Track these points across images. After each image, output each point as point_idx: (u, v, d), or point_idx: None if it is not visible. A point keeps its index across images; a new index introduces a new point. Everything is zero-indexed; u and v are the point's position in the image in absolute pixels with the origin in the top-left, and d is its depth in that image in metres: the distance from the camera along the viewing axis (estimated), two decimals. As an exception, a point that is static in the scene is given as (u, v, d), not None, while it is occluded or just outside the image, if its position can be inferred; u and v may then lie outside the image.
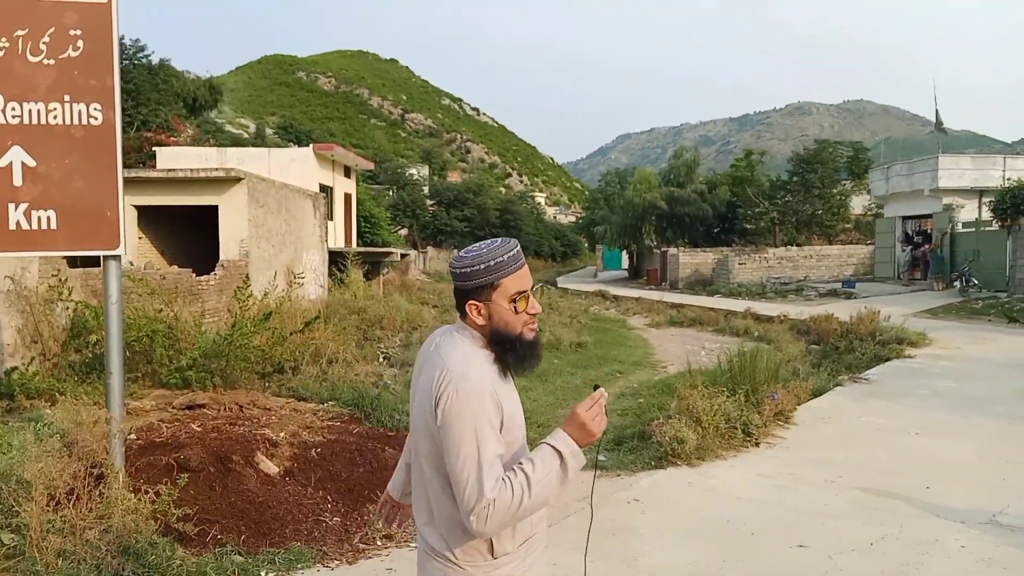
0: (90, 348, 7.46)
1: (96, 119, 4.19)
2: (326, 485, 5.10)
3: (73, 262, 8.59)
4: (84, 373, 7.16)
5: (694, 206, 35.22)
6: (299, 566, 4.03)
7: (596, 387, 1.81)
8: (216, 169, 14.26)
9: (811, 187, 32.48)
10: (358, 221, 28.36)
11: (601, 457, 6.02)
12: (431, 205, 54.31)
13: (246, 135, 65.26)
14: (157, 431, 5.60)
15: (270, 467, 5.17)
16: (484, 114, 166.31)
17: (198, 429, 5.72)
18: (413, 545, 4.39)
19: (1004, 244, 20.81)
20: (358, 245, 26.16)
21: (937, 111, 29.54)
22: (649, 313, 21.38)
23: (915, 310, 17.24)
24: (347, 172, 26.61)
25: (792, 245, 32.45)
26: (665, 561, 4.09)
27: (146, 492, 4.06)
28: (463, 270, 1.83)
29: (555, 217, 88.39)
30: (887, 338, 12.06)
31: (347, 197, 26.56)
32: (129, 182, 13.35)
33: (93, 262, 8.92)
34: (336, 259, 18.84)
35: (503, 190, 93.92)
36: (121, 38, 30.74)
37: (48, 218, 4.16)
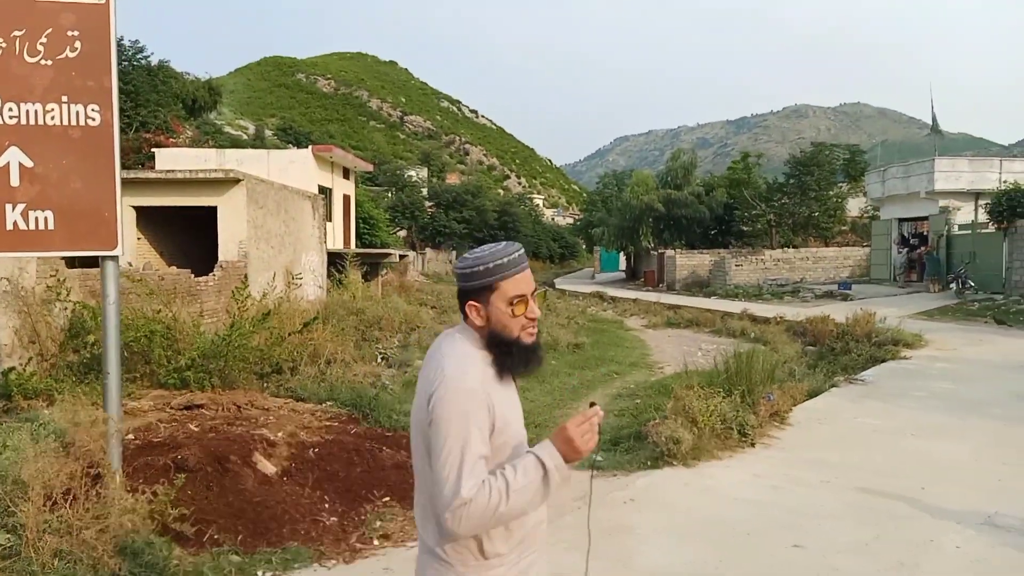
0: (88, 348, 7.46)
1: (94, 120, 4.20)
2: (324, 485, 5.11)
3: (71, 262, 8.58)
4: (82, 373, 7.15)
5: (691, 208, 35.30)
6: (296, 566, 4.04)
7: (592, 404, 1.78)
8: (215, 170, 14.27)
9: (808, 189, 32.58)
10: (357, 222, 28.36)
11: (598, 457, 6.03)
12: (430, 207, 54.35)
13: (245, 137, 65.27)
14: (155, 431, 5.60)
15: (268, 467, 5.18)
16: (483, 116, 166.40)
17: (196, 429, 5.72)
18: (410, 545, 4.42)
19: (1000, 246, 20.84)
20: (357, 246, 26.16)
21: (934, 114, 29.61)
22: (646, 314, 21.40)
23: (911, 312, 17.27)
24: (346, 174, 26.62)
25: (789, 247, 32.51)
26: (661, 561, 4.11)
27: (143, 492, 4.06)
28: (464, 271, 1.85)
29: (553, 219, 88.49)
30: (883, 339, 12.09)
31: (346, 198, 26.57)
32: (128, 183, 13.35)
33: (91, 262, 8.91)
34: (335, 260, 18.84)
35: (501, 192, 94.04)
36: (120, 39, 30.64)
37: (45, 218, 4.16)
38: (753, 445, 6.29)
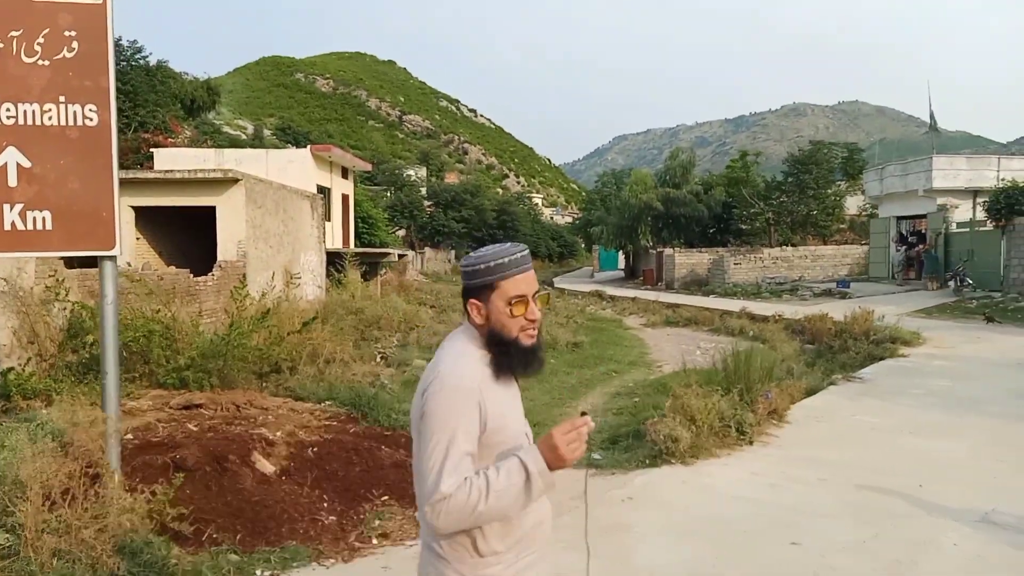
0: (87, 349, 7.46)
1: (91, 120, 4.21)
2: (322, 484, 5.12)
3: (70, 263, 8.58)
4: (81, 374, 7.15)
5: (690, 207, 35.30)
6: (295, 565, 4.04)
7: (583, 413, 1.77)
8: (214, 170, 14.27)
9: (806, 188, 32.58)
10: (356, 222, 28.35)
11: (596, 456, 6.04)
12: (429, 206, 54.35)
13: (244, 136, 65.21)
14: (153, 431, 5.61)
15: (266, 466, 5.19)
16: (481, 115, 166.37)
17: (195, 429, 5.73)
18: (408, 543, 4.43)
19: (998, 244, 20.86)
20: (356, 246, 26.15)
21: (932, 112, 29.61)
22: (645, 313, 21.41)
23: (909, 310, 17.28)
24: (345, 173, 26.61)
25: (787, 245, 32.52)
26: (659, 559, 4.12)
27: (142, 492, 4.07)
28: (466, 268, 1.87)
29: (552, 218, 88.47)
30: (881, 337, 12.09)
31: (345, 198, 26.56)
32: (126, 183, 13.33)
33: (90, 263, 8.91)
34: (334, 260, 18.85)
35: (500, 191, 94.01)
36: (118, 39, 30.53)
37: (43, 219, 4.17)
38: (751, 443, 6.30)
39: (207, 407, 6.46)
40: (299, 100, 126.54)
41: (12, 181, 4.12)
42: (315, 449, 5.59)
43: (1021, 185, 20.72)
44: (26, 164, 4.13)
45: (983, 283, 20.86)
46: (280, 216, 15.50)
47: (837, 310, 15.06)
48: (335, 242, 23.65)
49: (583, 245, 61.12)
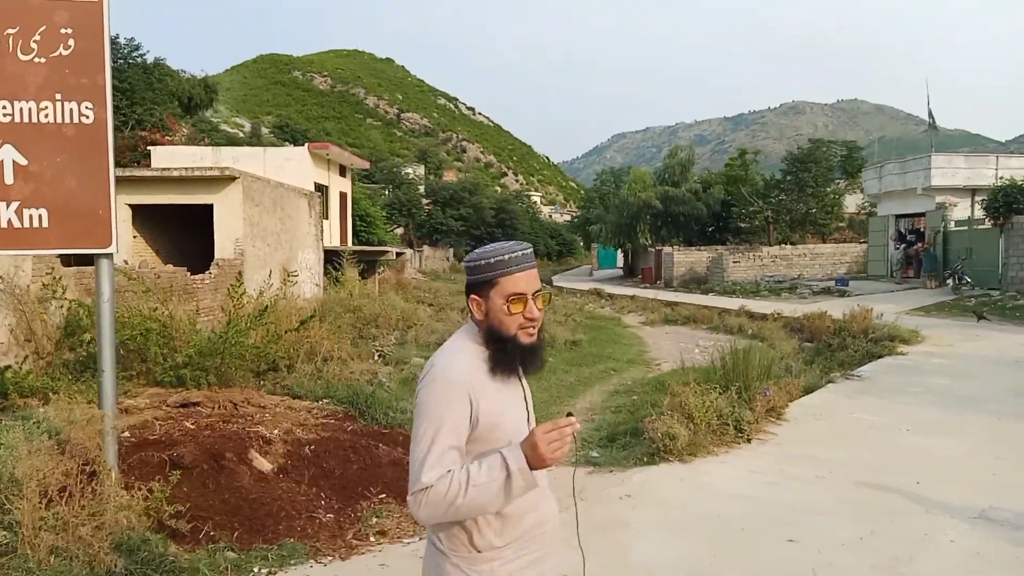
0: (84, 347, 7.45)
1: (88, 118, 4.20)
2: (319, 482, 5.11)
3: (67, 261, 8.57)
4: (78, 372, 7.14)
5: (689, 205, 35.31)
6: (292, 562, 4.04)
7: (568, 414, 1.75)
8: (211, 168, 14.25)
9: (805, 186, 32.60)
10: (354, 220, 28.34)
11: (594, 453, 6.05)
12: (427, 204, 54.31)
13: (241, 134, 65.09)
14: (151, 429, 5.60)
15: (264, 464, 5.18)
16: (480, 113, 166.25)
17: (192, 427, 5.72)
18: (406, 541, 4.43)
19: (997, 242, 20.88)
20: (354, 244, 26.14)
21: (930, 111, 29.62)
22: (644, 311, 21.42)
23: (908, 308, 17.30)
24: (342, 171, 26.60)
25: (786, 244, 32.54)
26: (656, 557, 4.12)
27: (139, 489, 4.07)
28: (468, 264, 1.89)
29: (551, 216, 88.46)
30: (880, 335, 12.10)
31: (343, 196, 26.54)
32: (124, 181, 13.33)
33: (87, 261, 8.90)
34: (332, 258, 18.84)
35: (499, 189, 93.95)
36: (116, 37, 30.51)
37: (40, 216, 4.16)
38: (749, 441, 6.30)
39: (204, 405, 6.45)
40: (297, 98, 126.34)
41: (8, 179, 4.11)
42: (312, 447, 5.58)
43: (1019, 183, 20.74)
44: (22, 162, 4.13)
45: (981, 281, 20.89)
46: (278, 214, 15.48)
47: (836, 308, 15.07)
48: (333, 240, 23.64)
49: (582, 243, 61.10)
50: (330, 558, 4.16)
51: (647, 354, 13.51)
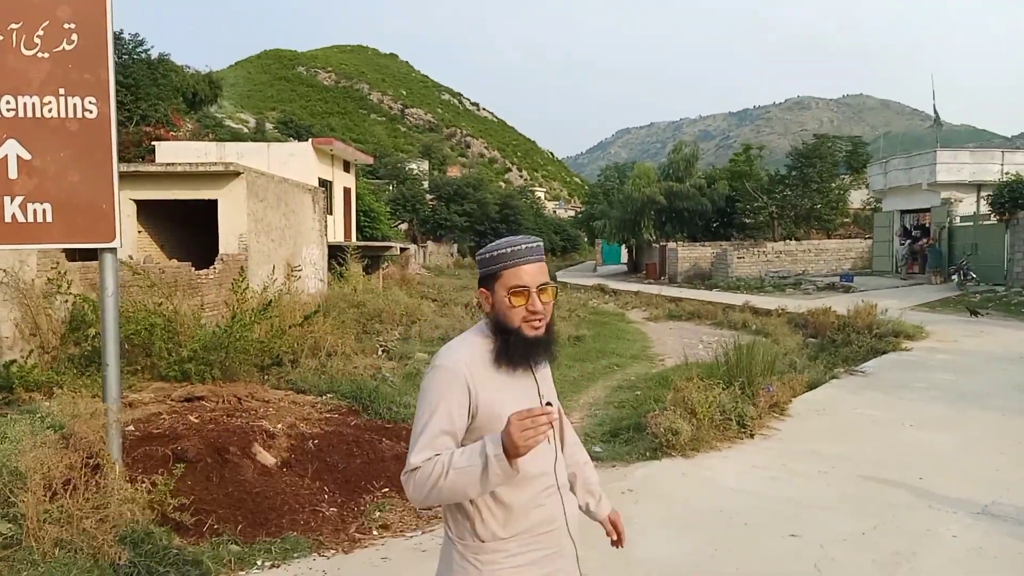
0: (89, 341, 7.48)
1: (91, 113, 4.21)
2: (323, 476, 5.13)
3: (72, 255, 8.61)
4: (83, 366, 7.18)
5: (693, 200, 35.24)
6: (295, 555, 4.06)
7: (548, 403, 1.72)
8: (215, 163, 14.28)
9: (810, 181, 32.51)
10: (358, 216, 28.37)
11: (597, 448, 6.06)
12: (431, 200, 54.27)
13: (246, 130, 65.12)
14: (155, 423, 5.63)
15: (267, 458, 5.20)
16: (484, 109, 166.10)
17: (196, 421, 5.74)
18: (408, 535, 4.44)
19: (1002, 238, 20.81)
20: (358, 239, 26.18)
21: (935, 106, 29.49)
22: (648, 307, 21.41)
23: (913, 304, 17.26)
24: (346, 167, 26.61)
25: (791, 239, 32.47)
26: (659, 552, 4.12)
27: (143, 482, 4.09)
28: (478, 258, 1.93)
29: (555, 212, 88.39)
30: (884, 331, 12.08)
31: (346, 191, 26.56)
32: (128, 176, 13.36)
33: (92, 255, 8.92)
34: (335, 253, 18.87)
35: (503, 185, 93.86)
36: (120, 32, 30.51)
37: (44, 211, 4.18)
38: (752, 436, 6.30)
39: (208, 399, 6.47)
40: (301, 93, 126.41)
41: (12, 173, 4.13)
42: (316, 441, 5.60)
43: (1025, 179, 20.67)
44: (26, 156, 4.14)
45: (987, 277, 20.82)
46: (282, 209, 15.50)
47: (840, 304, 15.04)
48: (337, 236, 23.66)
49: (586, 239, 61.11)
50: (333, 551, 4.17)
51: (651, 350, 13.51)
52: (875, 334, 11.98)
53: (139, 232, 14.81)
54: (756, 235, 34.56)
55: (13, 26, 4.08)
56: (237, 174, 13.49)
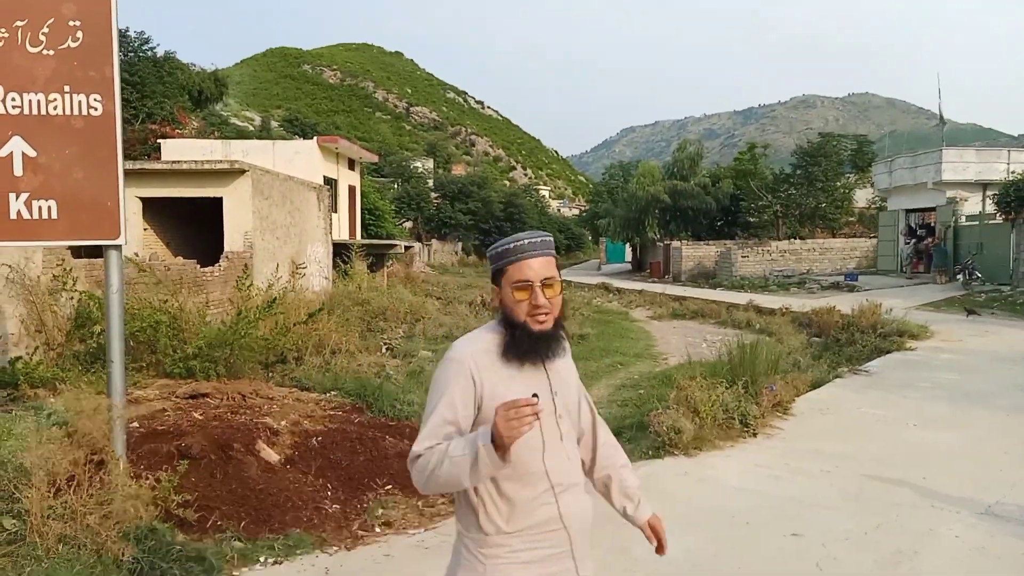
0: (94, 338, 7.51)
1: (96, 110, 4.22)
2: (326, 473, 5.15)
3: (78, 252, 8.64)
4: (88, 363, 7.20)
5: (697, 199, 35.16)
6: (298, 552, 4.07)
7: (534, 395, 1.70)
8: (221, 161, 14.31)
9: (815, 180, 32.41)
10: (362, 214, 28.40)
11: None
12: (435, 198, 54.28)
13: (251, 128, 65.28)
14: (159, 419, 5.65)
15: (271, 455, 5.22)
16: (489, 107, 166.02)
17: (200, 417, 5.76)
18: (411, 532, 4.45)
19: (1008, 237, 20.72)
20: (362, 237, 26.21)
21: (940, 106, 29.40)
22: (652, 306, 21.39)
23: (917, 303, 17.21)
24: (351, 165, 26.64)
25: (795, 238, 32.39)
26: (660, 549, 4.12)
27: (147, 479, 4.10)
28: (488, 255, 1.97)
29: (559, 210, 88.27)
30: (888, 331, 12.05)
31: (351, 190, 26.59)
32: (134, 174, 13.40)
33: (98, 252, 8.95)
34: (340, 251, 18.90)
35: (507, 183, 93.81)
36: (125, 30, 30.49)
37: (49, 208, 4.20)
38: (755, 435, 6.30)
39: (213, 396, 6.49)
40: (306, 91, 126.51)
41: (18, 170, 4.15)
42: (320, 438, 5.62)
43: (1031, 178, 20.57)
44: (31, 153, 4.16)
45: (992, 276, 20.74)
46: (287, 207, 15.53)
47: (845, 303, 15.01)
48: (342, 233, 23.69)
49: (590, 237, 60.97)
50: (336, 548, 4.19)
51: (654, 348, 13.50)
52: (879, 333, 11.96)
53: (145, 230, 14.85)
54: (760, 234, 34.47)
55: (18, 23, 4.09)
56: (242, 172, 13.52)
